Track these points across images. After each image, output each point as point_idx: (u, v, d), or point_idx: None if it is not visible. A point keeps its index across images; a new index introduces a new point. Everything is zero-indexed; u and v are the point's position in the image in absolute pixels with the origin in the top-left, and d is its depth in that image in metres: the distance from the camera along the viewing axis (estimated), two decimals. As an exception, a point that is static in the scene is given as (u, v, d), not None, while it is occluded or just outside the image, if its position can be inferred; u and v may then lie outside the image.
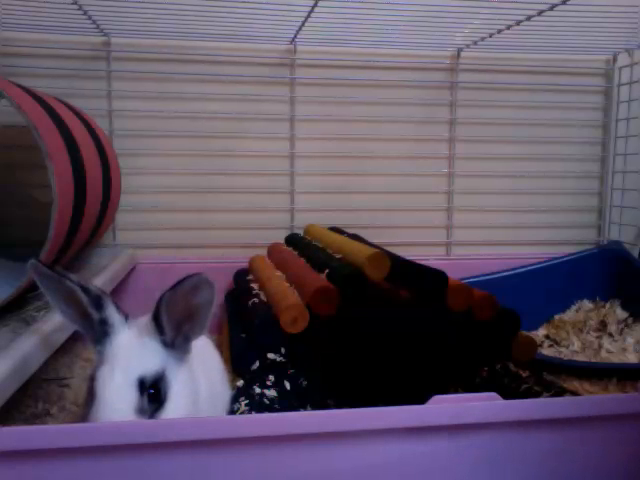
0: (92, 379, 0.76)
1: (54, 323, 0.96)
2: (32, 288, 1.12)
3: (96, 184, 1.33)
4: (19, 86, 1.16)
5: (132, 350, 0.77)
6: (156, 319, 0.77)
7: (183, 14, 1.52)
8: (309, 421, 0.72)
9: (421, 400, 0.73)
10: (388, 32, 1.69)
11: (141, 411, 0.73)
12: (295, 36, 1.70)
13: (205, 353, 1.04)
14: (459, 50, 1.86)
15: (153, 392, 0.75)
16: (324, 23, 1.58)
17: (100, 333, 0.78)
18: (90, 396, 0.75)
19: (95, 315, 0.78)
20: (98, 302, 0.78)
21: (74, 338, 1.18)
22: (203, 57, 1.75)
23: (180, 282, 0.75)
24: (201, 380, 0.89)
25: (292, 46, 1.78)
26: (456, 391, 1.01)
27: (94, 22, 1.56)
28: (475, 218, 1.94)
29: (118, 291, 1.64)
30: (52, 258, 1.10)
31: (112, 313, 0.79)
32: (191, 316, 0.79)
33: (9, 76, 1.53)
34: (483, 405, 0.75)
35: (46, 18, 1.51)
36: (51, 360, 1.25)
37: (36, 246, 1.03)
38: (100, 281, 1.31)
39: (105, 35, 1.68)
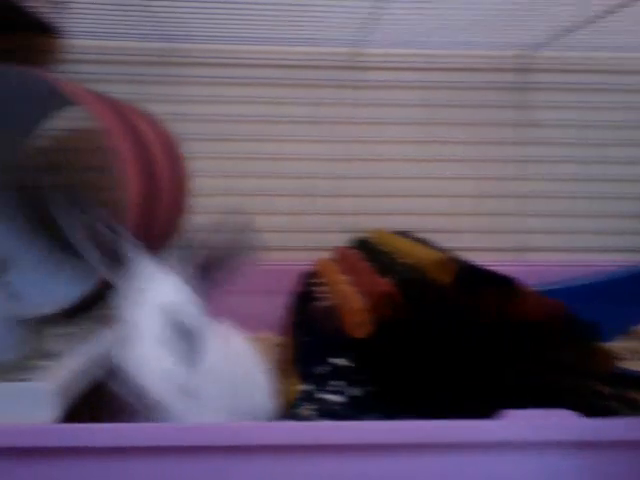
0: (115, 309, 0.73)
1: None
2: (104, 287, 1.16)
3: (166, 187, 1.36)
4: (91, 91, 1.20)
5: (160, 282, 0.73)
6: (183, 256, 0.75)
7: (248, 18, 1.53)
8: (364, 432, 0.70)
9: (490, 414, 0.70)
10: (458, 31, 1.65)
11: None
12: (357, 38, 1.68)
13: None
14: (532, 48, 1.78)
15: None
16: (394, 22, 1.55)
17: (119, 268, 0.75)
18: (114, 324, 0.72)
19: (115, 248, 0.75)
20: (117, 235, 0.75)
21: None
22: (266, 61, 1.77)
23: (227, 223, 0.74)
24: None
25: (354, 49, 1.76)
26: (527, 406, 0.97)
27: (161, 29, 1.60)
28: (551, 223, 1.86)
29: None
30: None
31: (132, 248, 0.76)
32: (224, 258, 0.76)
33: (82, 82, 1.59)
34: (555, 422, 0.70)
35: (115, 25, 1.57)
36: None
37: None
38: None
39: (173, 42, 1.71)
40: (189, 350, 0.70)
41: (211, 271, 0.75)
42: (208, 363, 0.75)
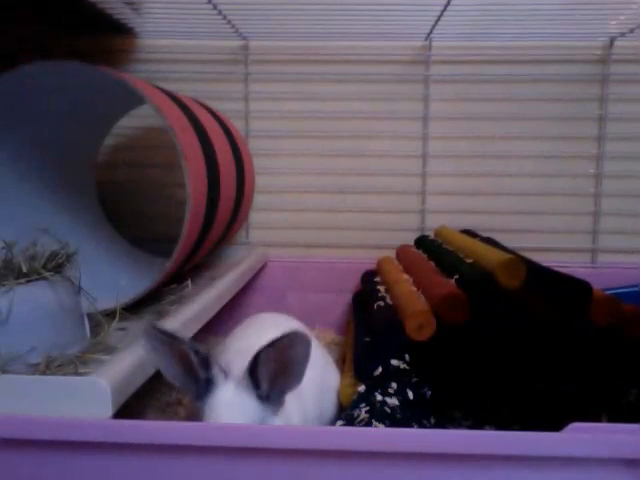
0: None
1: (185, 317, 0.99)
2: (167, 283, 1.18)
3: (230, 184, 1.37)
4: (159, 89, 1.22)
5: (233, 408, 0.79)
6: (252, 374, 0.79)
7: (318, 14, 1.53)
8: (418, 440, 0.67)
9: (556, 426, 0.66)
10: (531, 23, 1.58)
11: None
12: (430, 32, 1.65)
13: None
14: (612, 39, 1.69)
15: None
16: (461, 16, 1.51)
17: (203, 390, 0.80)
18: None
19: (202, 374, 0.80)
20: (206, 362, 0.80)
21: (205, 331, 1.22)
22: (338, 57, 1.75)
23: (277, 340, 0.76)
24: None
25: (427, 42, 1.73)
26: (599, 417, 0.92)
27: (233, 26, 1.61)
28: (626, 223, 1.76)
29: (249, 288, 1.69)
30: (186, 253, 1.15)
31: (217, 372, 0.80)
32: (286, 370, 0.80)
33: (152, 80, 1.63)
34: (627, 439, 0.65)
35: (187, 25, 1.60)
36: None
37: (174, 241, 1.08)
38: (231, 277, 1.35)
39: (244, 39, 1.73)
40: None
41: (280, 381, 0.80)
42: None
